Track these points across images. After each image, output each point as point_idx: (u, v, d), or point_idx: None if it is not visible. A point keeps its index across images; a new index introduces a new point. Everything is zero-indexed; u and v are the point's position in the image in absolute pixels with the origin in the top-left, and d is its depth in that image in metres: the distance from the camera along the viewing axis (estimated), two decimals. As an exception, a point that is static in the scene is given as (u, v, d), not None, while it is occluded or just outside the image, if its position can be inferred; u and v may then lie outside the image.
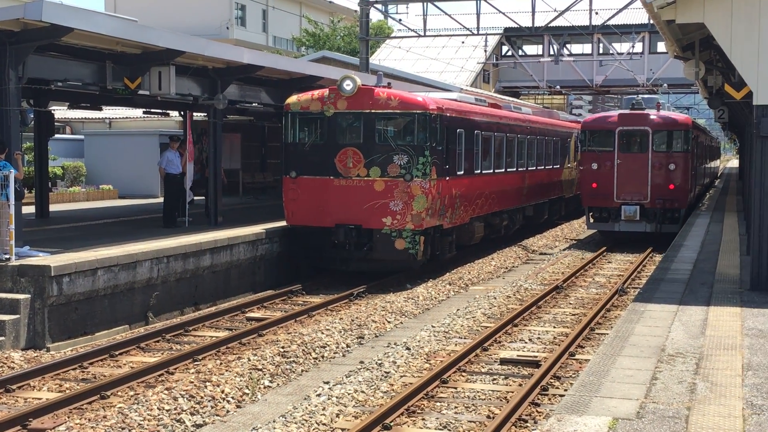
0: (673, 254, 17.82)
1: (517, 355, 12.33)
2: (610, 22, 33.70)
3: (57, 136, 30.35)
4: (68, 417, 9.80)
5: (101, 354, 12.46)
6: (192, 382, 10.78)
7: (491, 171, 22.97)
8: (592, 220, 26.48)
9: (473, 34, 36.23)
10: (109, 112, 35.09)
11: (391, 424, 9.41)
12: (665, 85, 52.85)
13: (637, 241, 25.59)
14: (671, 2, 13.05)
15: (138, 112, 32.65)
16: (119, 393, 10.71)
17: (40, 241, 16.00)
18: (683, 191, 25.35)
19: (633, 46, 44.42)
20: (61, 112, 35.63)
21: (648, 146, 25.06)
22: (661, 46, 46.10)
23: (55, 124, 24.90)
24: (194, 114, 22.38)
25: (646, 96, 29.88)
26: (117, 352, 12.63)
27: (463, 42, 51.93)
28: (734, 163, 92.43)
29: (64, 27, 14.35)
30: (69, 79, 17.38)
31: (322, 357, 12.63)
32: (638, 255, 23.46)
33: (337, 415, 9.76)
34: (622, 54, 47.00)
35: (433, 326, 14.32)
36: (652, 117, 25.42)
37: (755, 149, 13.19)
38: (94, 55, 17.04)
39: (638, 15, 48.45)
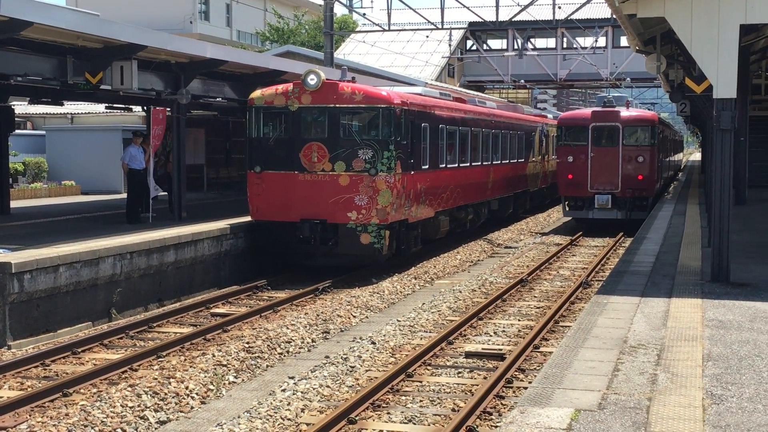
0: (636, 247, 17.99)
1: (482, 349, 12.38)
2: (574, 17, 33.94)
3: (18, 131, 29.98)
4: (30, 415, 9.69)
5: (63, 351, 12.34)
6: (156, 379, 10.72)
7: (456, 165, 23.04)
8: (567, 209, 28.27)
9: (438, 29, 36.33)
10: (70, 107, 34.72)
11: (357, 418, 9.41)
12: (628, 79, 53.35)
13: (608, 227, 27.18)
14: (632, -3, 13.16)
15: (100, 107, 32.37)
16: (82, 390, 10.61)
17: (1, 238, 15.80)
18: (650, 181, 27.36)
19: (596, 41, 44.79)
20: (21, 107, 35.18)
21: (618, 140, 27.05)
22: (624, 41, 46.52)
23: (16, 119, 24.59)
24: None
25: (616, 94, 32.27)
26: (80, 350, 12.51)
27: (427, 36, 52.00)
28: (697, 156, 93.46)
29: (24, 21, 14.18)
30: (29, 74, 17.17)
31: (287, 352, 12.60)
32: (602, 248, 23.68)
33: (302, 410, 9.75)
34: (586, 48, 47.38)
35: (398, 320, 14.34)
36: (622, 114, 27.42)
37: (715, 142, 13.34)
38: (55, 49, 16.84)
39: (601, 9, 48.80)
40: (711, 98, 13.50)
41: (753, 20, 13.20)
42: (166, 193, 22.30)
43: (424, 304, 15.81)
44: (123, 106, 25.57)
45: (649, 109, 41.82)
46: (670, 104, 56.29)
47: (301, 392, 10.27)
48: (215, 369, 11.31)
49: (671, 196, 32.55)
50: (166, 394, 10.26)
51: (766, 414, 7.03)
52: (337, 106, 18.40)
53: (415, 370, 11.28)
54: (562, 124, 28.49)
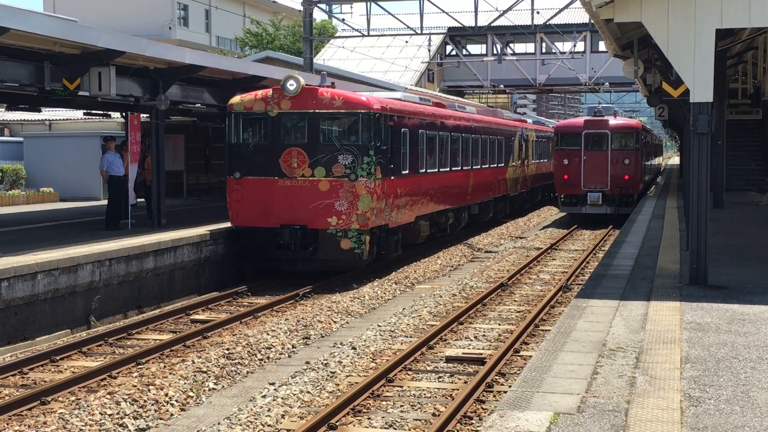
0: (615, 250, 18.07)
1: (463, 353, 12.39)
2: (552, 22, 34.09)
3: (-5, 138, 29.81)
4: (7, 424, 9.61)
5: (42, 359, 12.24)
6: (135, 386, 10.66)
7: (436, 170, 23.06)
8: (563, 205, 32.13)
9: (417, 34, 36.40)
10: (48, 113, 34.54)
11: (337, 423, 9.39)
12: (607, 83, 53.61)
13: (599, 221, 30.91)
14: (609, 1, 13.22)
15: (78, 114, 32.15)
16: (60, 398, 10.53)
17: (-22, 246, 15.68)
18: (635, 181, 31.44)
19: (575, 45, 45.00)
20: (-2, 114, 34.95)
21: (607, 145, 30.97)
22: (603, 46, 46.73)
23: (-7, 126, 24.43)
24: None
25: (605, 105, 36.86)
26: (58, 357, 12.43)
27: (407, 42, 52.14)
28: (675, 160, 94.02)
29: (0, 27, 14.09)
30: (6, 80, 17.07)
31: (268, 358, 12.57)
32: (582, 252, 23.77)
33: (283, 416, 9.72)
34: (565, 53, 47.57)
35: (379, 325, 14.33)
36: (610, 122, 31.48)
37: (692, 146, 13.43)
38: (32, 55, 16.75)
39: (579, 14, 49.04)
40: (688, 102, 13.59)
41: (728, 24, 13.32)
42: (143, 200, 22.21)
43: (404, 309, 15.81)
44: (101, 112, 25.41)
45: (631, 117, 46.38)
46: (649, 109, 56.69)
47: (282, 398, 10.24)
48: (195, 376, 11.26)
49: (652, 195, 35.97)
50: (145, 401, 10.20)
51: (743, 416, 7.08)
52: (317, 111, 18.39)
53: (395, 375, 11.28)
54: (558, 132, 32.47)
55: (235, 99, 19.20)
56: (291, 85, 18.33)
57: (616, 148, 31.03)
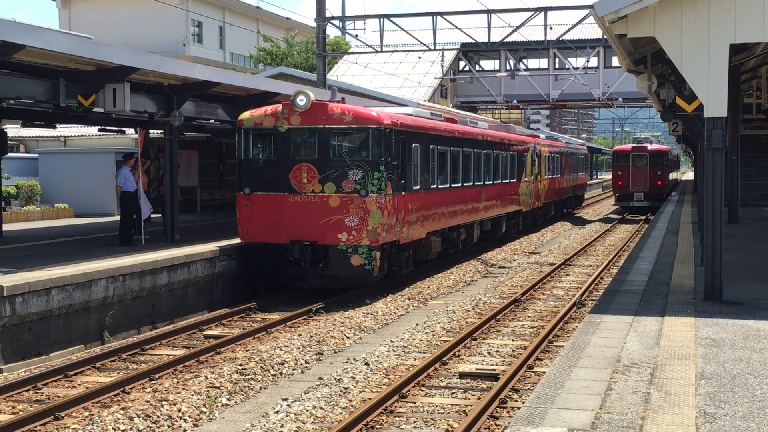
0: (630, 266, 18.00)
1: (476, 369, 12.35)
2: (565, 37, 34.11)
3: (10, 154, 29.95)
4: (21, 439, 9.63)
5: (55, 375, 12.27)
6: (148, 402, 10.67)
7: (448, 185, 23.02)
8: (617, 200, 47.56)
9: (430, 50, 36.47)
10: (63, 129, 34.72)
11: (350, 439, 9.36)
12: (620, 99, 53.57)
13: (641, 211, 45.95)
14: (622, 17, 13.22)
15: (93, 130, 32.40)
16: (73, 414, 10.54)
17: (-7, 261, 15.74)
18: (665, 184, 47.48)
19: (588, 61, 45.01)
20: (14, 130, 35.18)
21: (647, 162, 45.92)
22: (616, 61, 46.77)
23: (8, 142, 24.57)
24: (151, 131, 22.25)
25: (644, 136, 54.01)
26: (72, 373, 12.45)
27: (420, 57, 52.28)
28: (690, 175, 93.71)
29: (16, 44, 14.20)
30: (21, 97, 17.17)
31: (281, 374, 12.56)
32: (595, 267, 23.69)
33: (295, 432, 9.70)
34: (578, 68, 47.59)
35: (392, 341, 14.31)
36: (648, 147, 46.79)
37: (707, 161, 13.38)
38: (47, 72, 16.86)
39: (592, 30, 49.09)
40: (702, 117, 13.55)
41: (742, 39, 13.29)
42: (160, 215, 22.28)
43: (417, 324, 15.78)
44: (116, 128, 25.55)
45: (661, 143, 64.89)
46: (662, 124, 56.75)
47: (295, 414, 10.23)
48: (208, 391, 11.26)
49: (674, 197, 49.40)
50: (158, 417, 10.21)
51: (759, 432, 7.02)
52: (327, 126, 18.36)
53: (408, 391, 11.25)
54: (615, 153, 48.98)
55: (245, 114, 19.21)
56: (301, 101, 18.32)
57: (652, 164, 45.81)
